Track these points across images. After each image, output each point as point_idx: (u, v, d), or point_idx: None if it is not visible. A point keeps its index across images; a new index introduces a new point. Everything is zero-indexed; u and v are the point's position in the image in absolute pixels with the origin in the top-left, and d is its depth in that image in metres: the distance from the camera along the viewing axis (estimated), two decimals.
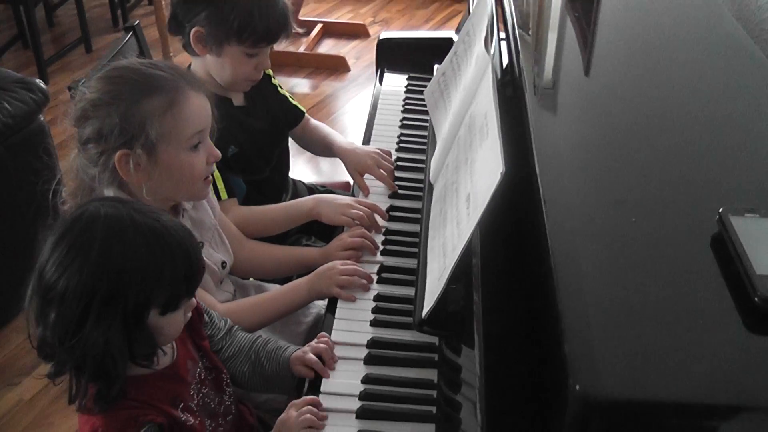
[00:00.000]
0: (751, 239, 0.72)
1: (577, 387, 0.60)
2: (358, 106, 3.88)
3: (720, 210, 0.77)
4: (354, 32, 4.65)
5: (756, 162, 0.95)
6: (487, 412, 0.81)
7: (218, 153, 1.39)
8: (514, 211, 1.01)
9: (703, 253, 0.76)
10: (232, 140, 1.66)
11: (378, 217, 1.63)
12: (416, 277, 1.27)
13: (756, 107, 1.09)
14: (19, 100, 2.40)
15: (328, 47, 4.56)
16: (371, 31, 4.67)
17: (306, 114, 1.99)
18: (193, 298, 1.20)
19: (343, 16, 4.94)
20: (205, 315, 1.35)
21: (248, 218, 1.68)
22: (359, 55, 4.44)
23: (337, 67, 4.25)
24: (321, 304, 1.69)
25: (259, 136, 1.78)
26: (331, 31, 4.66)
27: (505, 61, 1.39)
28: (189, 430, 1.19)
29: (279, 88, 1.92)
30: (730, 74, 1.19)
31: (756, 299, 0.67)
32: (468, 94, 1.41)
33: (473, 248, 1.06)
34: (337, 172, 3.31)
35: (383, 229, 1.62)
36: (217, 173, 1.62)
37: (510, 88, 1.28)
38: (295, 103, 1.96)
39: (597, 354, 0.65)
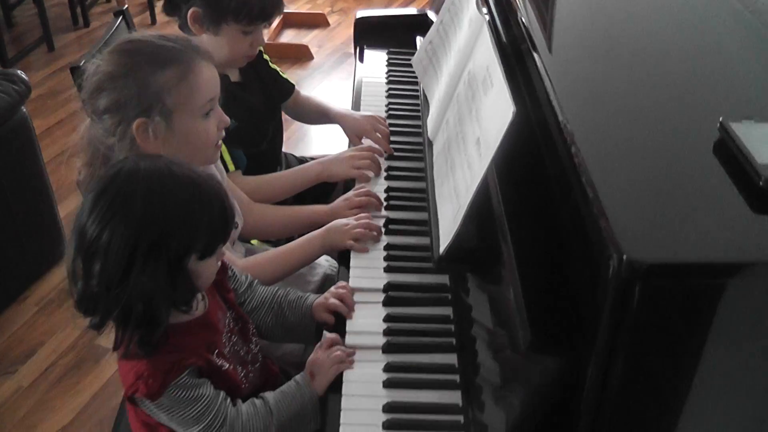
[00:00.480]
0: (751, 138, 0.85)
1: (624, 257, 0.71)
2: (325, 93, 3.96)
3: (721, 119, 0.89)
4: (314, 22, 4.73)
5: (743, 85, 1.08)
6: (526, 300, 0.92)
7: (227, 119, 1.47)
8: (532, 139, 1.11)
9: (708, 155, 0.88)
10: (231, 115, 1.73)
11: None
12: (429, 222, 1.37)
13: (740, 41, 1.23)
14: (3, 92, 2.42)
15: (289, 38, 4.63)
16: (331, 20, 4.75)
17: (296, 87, 2.07)
18: (224, 248, 1.27)
19: (301, 7, 5.01)
20: (229, 270, 1.42)
21: (256, 187, 1.76)
22: (321, 43, 4.52)
23: (300, 56, 4.32)
24: (327, 265, 1.79)
25: (255, 110, 1.87)
26: (292, 21, 4.74)
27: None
28: (224, 375, 1.27)
29: (269, 63, 2.01)
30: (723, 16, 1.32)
31: (761, 183, 0.79)
32: (464, 54, 1.52)
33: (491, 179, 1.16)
34: (321, 144, 3.41)
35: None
36: (222, 146, 1.69)
37: (510, 40, 1.38)
38: (285, 77, 2.05)
39: (633, 228, 0.77)
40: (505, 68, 1.25)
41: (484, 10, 1.52)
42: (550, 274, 0.96)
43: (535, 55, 1.16)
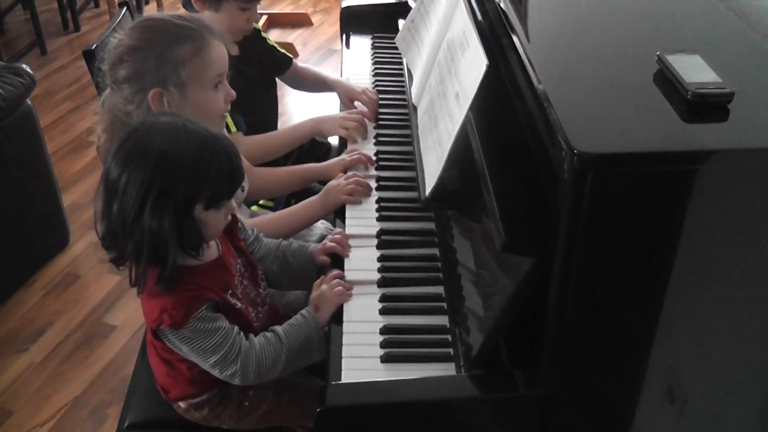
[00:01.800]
0: (681, 65, 1.04)
1: (575, 150, 0.88)
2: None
3: (658, 52, 1.06)
4: (298, 21, 4.90)
5: (678, 31, 1.27)
6: (499, 208, 1.08)
7: (233, 93, 1.62)
8: (502, 88, 1.28)
9: (649, 80, 1.06)
10: (232, 84, 1.91)
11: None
12: (415, 171, 1.53)
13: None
14: (9, 84, 2.56)
15: (274, 37, 4.78)
16: (314, 19, 4.92)
17: (294, 59, 2.27)
18: (233, 203, 1.42)
19: (285, 8, 5.18)
20: (239, 222, 1.58)
21: (256, 145, 1.96)
22: (305, 42, 4.69)
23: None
24: (323, 227, 1.95)
25: (253, 80, 2.07)
26: (276, 21, 4.90)
27: None
28: (237, 312, 1.43)
29: (267, 40, 2.20)
30: None
31: (687, 96, 0.98)
32: (443, 26, 1.68)
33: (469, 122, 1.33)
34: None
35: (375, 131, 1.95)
36: None
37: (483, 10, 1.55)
38: (283, 51, 2.24)
39: (583, 129, 0.95)
40: (479, 31, 1.42)
41: None
42: (519, 184, 1.13)
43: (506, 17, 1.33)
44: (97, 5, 5.08)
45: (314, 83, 2.35)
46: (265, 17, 4.80)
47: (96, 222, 1.35)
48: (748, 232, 1.00)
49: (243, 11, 1.94)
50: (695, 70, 1.03)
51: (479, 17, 1.61)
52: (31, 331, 2.64)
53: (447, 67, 1.55)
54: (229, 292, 1.42)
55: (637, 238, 0.98)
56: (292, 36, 4.75)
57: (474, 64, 1.37)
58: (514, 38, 1.23)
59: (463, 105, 1.36)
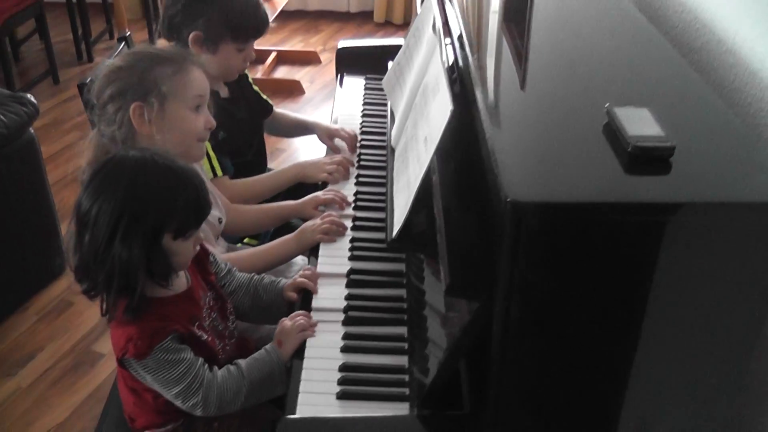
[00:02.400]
0: (627, 117, 1.07)
1: (509, 198, 0.91)
2: None
3: (607, 104, 1.10)
4: (306, 59, 4.99)
5: (629, 83, 1.31)
6: (449, 253, 1.11)
7: (213, 122, 1.67)
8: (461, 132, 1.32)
9: (598, 132, 1.09)
10: (221, 126, 1.95)
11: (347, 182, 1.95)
12: (385, 213, 1.56)
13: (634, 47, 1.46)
14: (13, 113, 2.63)
15: (282, 73, 4.88)
16: (322, 57, 5.00)
17: (274, 106, 2.35)
18: (201, 235, 1.46)
19: (295, 45, 5.27)
20: (210, 256, 1.61)
21: (242, 190, 1.99)
22: (313, 79, 4.76)
23: (292, 90, 4.56)
24: (302, 263, 1.98)
25: (241, 123, 2.11)
26: (285, 58, 4.99)
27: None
28: (203, 345, 1.46)
29: (252, 85, 2.25)
30: (616, 34, 1.54)
31: (628, 148, 1.00)
32: (421, 69, 1.73)
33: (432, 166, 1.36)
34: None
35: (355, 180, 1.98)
36: (211, 152, 1.90)
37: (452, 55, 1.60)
38: (265, 97, 2.30)
39: (523, 178, 0.98)
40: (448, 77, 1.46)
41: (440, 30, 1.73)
42: (471, 230, 1.16)
43: (468, 61, 1.37)
44: (111, 37, 5.20)
45: (294, 128, 2.42)
46: (274, 54, 4.89)
47: (68, 256, 1.39)
48: (681, 284, 1.02)
49: (240, 51, 2.00)
50: (640, 123, 1.06)
51: (460, 63, 1.66)
52: (21, 356, 2.67)
53: (421, 111, 1.59)
54: (196, 324, 1.46)
55: (573, 286, 1.00)
56: (300, 73, 4.83)
57: (441, 108, 1.40)
58: (476, 88, 1.27)
59: (429, 149, 1.40)
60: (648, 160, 1.03)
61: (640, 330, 1.05)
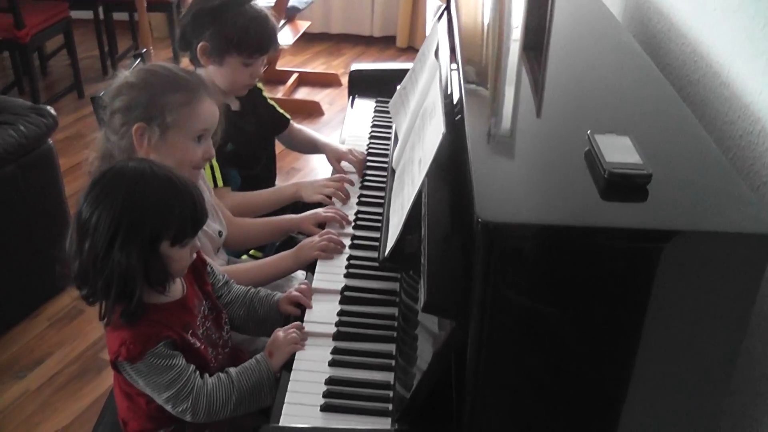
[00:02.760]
0: (607, 144, 1.10)
1: (480, 218, 0.94)
2: None
3: (588, 131, 1.13)
4: (327, 81, 5.06)
5: (617, 112, 1.34)
6: (428, 272, 1.14)
7: (213, 153, 1.72)
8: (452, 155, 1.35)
9: (580, 159, 1.12)
10: (230, 139, 2.01)
11: (350, 201, 1.99)
12: (380, 233, 1.59)
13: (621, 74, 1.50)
14: (33, 124, 2.71)
15: (303, 94, 4.95)
16: (343, 80, 5.07)
17: (291, 120, 2.37)
18: (198, 243, 1.51)
19: (317, 67, 5.35)
20: (208, 266, 1.65)
21: (240, 202, 2.03)
22: (332, 101, 4.83)
23: (311, 111, 4.63)
24: (302, 278, 2.01)
25: (251, 137, 2.16)
26: (306, 80, 5.07)
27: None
28: (195, 352, 1.49)
29: (267, 99, 2.30)
30: (613, 66, 1.57)
31: (605, 174, 1.04)
32: (422, 94, 1.77)
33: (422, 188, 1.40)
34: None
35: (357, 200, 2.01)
36: (215, 163, 1.95)
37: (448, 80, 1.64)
38: (281, 111, 2.34)
39: (496, 201, 1.01)
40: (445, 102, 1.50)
41: (442, 57, 1.78)
42: (453, 250, 1.18)
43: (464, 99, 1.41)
44: (136, 56, 5.30)
45: (306, 145, 2.46)
46: (296, 75, 4.97)
47: (69, 263, 1.44)
48: (652, 308, 1.04)
49: (246, 66, 2.04)
50: (619, 151, 1.09)
51: (455, 88, 1.70)
52: (29, 360, 2.73)
53: (418, 134, 1.63)
54: (190, 331, 1.49)
55: (544, 306, 1.03)
56: (320, 95, 4.90)
57: (434, 131, 1.44)
58: (466, 113, 1.30)
59: (422, 170, 1.43)
60: (624, 186, 1.06)
61: (614, 350, 1.07)
